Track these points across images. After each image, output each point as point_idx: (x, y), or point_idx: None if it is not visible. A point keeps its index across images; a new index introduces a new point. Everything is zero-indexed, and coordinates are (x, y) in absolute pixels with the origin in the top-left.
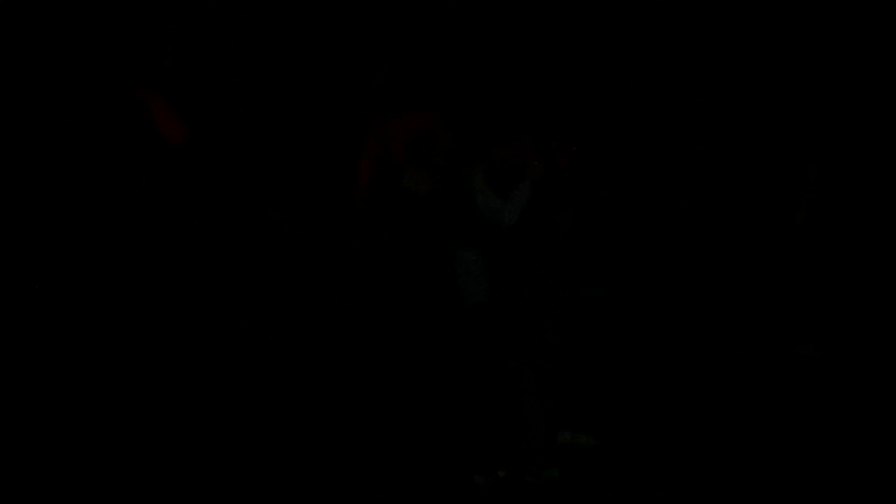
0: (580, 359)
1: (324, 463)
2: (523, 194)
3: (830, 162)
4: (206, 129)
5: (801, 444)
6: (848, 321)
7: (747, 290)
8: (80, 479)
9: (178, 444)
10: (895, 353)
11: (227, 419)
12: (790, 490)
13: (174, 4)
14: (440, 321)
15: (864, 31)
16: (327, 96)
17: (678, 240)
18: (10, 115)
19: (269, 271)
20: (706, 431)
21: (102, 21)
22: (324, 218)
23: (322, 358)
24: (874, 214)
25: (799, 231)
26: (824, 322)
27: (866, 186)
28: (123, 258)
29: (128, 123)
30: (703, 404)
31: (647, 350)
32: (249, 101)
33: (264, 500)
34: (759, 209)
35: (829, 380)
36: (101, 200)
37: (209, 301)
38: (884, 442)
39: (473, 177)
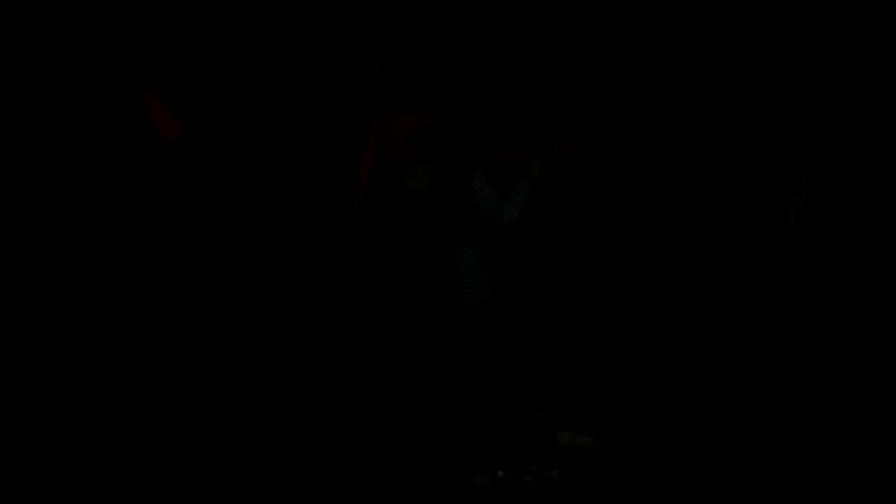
0: (580, 359)
1: (324, 463)
2: (523, 193)
3: (823, 161)
4: (202, 127)
5: (801, 444)
6: (846, 321)
7: (746, 289)
8: (81, 479)
9: (178, 444)
10: (892, 353)
11: (227, 419)
12: (790, 490)
13: (171, 3)
14: (440, 321)
15: (857, 31)
16: (326, 94)
17: (678, 239)
18: (6, 112)
19: (268, 270)
20: (706, 431)
21: (99, 19)
22: (324, 216)
23: (322, 357)
24: (868, 214)
25: (792, 231)
26: (821, 322)
27: (860, 186)
28: (120, 256)
29: (123, 121)
30: (702, 404)
31: (647, 350)
32: (247, 99)
33: (264, 500)
34: (755, 208)
35: (828, 380)
36: (97, 198)
37: (208, 300)
38: (883, 442)
39: (474, 176)
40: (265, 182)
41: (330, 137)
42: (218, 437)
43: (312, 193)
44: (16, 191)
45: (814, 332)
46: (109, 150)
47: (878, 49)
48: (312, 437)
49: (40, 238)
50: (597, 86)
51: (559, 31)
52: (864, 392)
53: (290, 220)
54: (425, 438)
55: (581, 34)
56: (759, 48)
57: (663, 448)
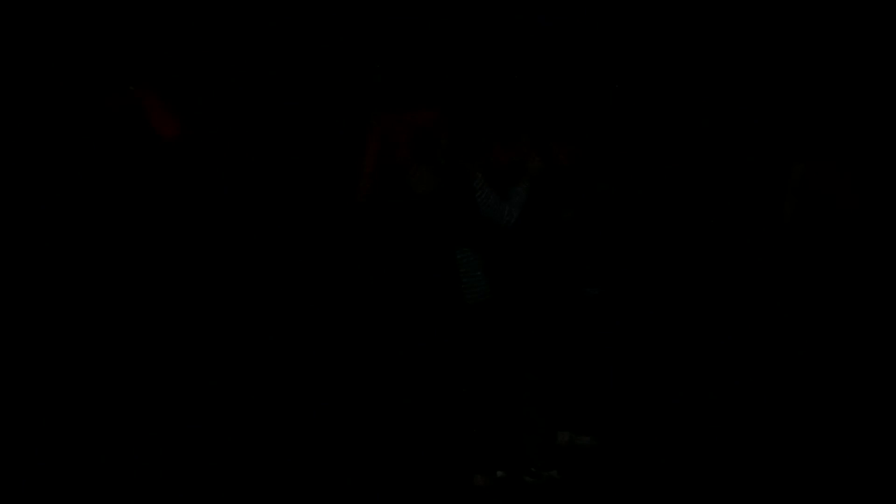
0: (580, 359)
1: (324, 462)
2: (522, 193)
3: (815, 161)
4: (201, 127)
5: (801, 445)
6: (843, 322)
7: (744, 289)
8: (81, 479)
9: (178, 444)
10: (891, 354)
11: (226, 419)
12: (790, 490)
13: (170, 1)
14: (440, 321)
15: (849, 35)
16: (326, 94)
17: (677, 239)
18: (3, 111)
19: (268, 270)
20: (705, 431)
21: (96, 17)
22: (325, 216)
23: (322, 357)
24: (860, 212)
25: (787, 230)
26: (820, 322)
27: (852, 185)
28: (117, 254)
29: (121, 119)
30: (702, 404)
31: (647, 350)
32: (246, 98)
33: (264, 500)
34: (751, 206)
35: (827, 380)
36: (95, 196)
37: (207, 299)
38: (882, 442)
39: (474, 176)
40: (265, 182)
41: (330, 137)
42: (218, 437)
43: (313, 193)
44: (13, 189)
45: (812, 330)
46: (108, 148)
47: (870, 52)
48: (312, 436)
49: (38, 236)
50: (595, 86)
51: (558, 32)
52: (862, 390)
53: (290, 219)
54: (425, 438)
55: (580, 34)
56: (755, 51)
57: (663, 448)
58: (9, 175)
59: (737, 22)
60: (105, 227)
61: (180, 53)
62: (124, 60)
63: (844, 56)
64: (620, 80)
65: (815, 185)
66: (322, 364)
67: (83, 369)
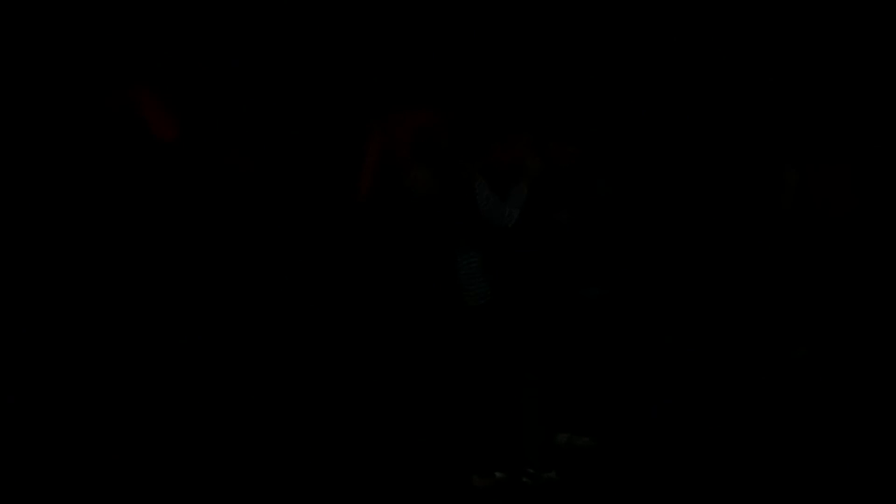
0: (578, 360)
1: (324, 463)
2: (521, 194)
3: (813, 164)
4: (199, 127)
5: (799, 445)
6: (841, 323)
7: (745, 291)
8: (81, 479)
9: (178, 444)
10: (889, 355)
11: (226, 419)
12: (789, 491)
13: (169, 1)
14: (440, 322)
15: (847, 37)
16: (326, 95)
17: (676, 240)
18: (1, 111)
19: (267, 272)
20: (704, 432)
21: (95, 18)
22: (325, 217)
23: (322, 358)
24: (859, 216)
25: (784, 231)
26: (819, 322)
27: (844, 187)
28: (115, 255)
29: (118, 121)
30: (701, 405)
31: (646, 351)
32: (245, 98)
33: (264, 500)
34: (749, 209)
35: (826, 381)
36: (92, 197)
37: (205, 302)
38: (879, 443)
39: (474, 177)
40: (264, 183)
41: (331, 138)
42: (218, 437)
43: (313, 195)
44: (10, 189)
45: (811, 332)
46: (105, 149)
47: (864, 56)
48: (312, 436)
49: (35, 236)
50: (594, 86)
51: (556, 31)
52: (862, 391)
53: (290, 221)
54: (424, 439)
55: (579, 35)
56: (753, 54)
57: (662, 449)
58: (4, 176)
59: (735, 25)
60: (102, 229)
61: (178, 54)
62: (122, 61)
63: (839, 60)
64: (619, 81)
65: (811, 188)
66: (322, 364)
67: (78, 370)
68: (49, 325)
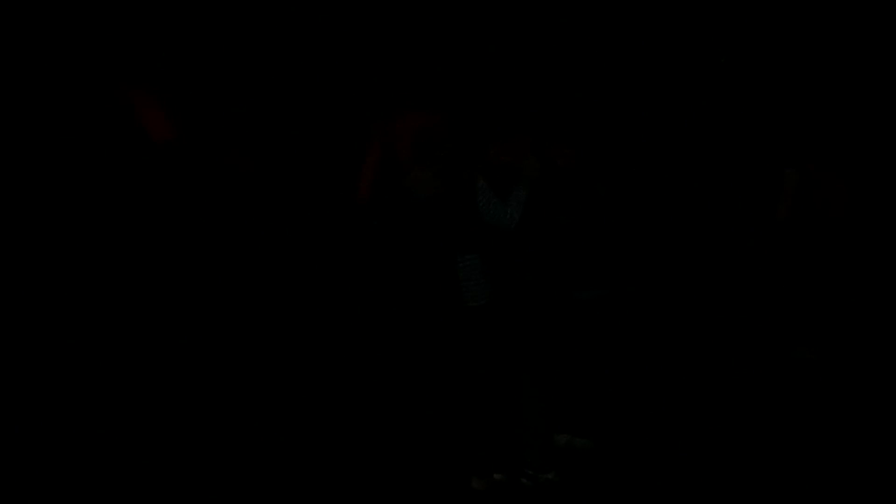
0: (578, 361)
1: (323, 464)
2: (521, 196)
3: (810, 166)
4: (195, 128)
5: (798, 447)
6: (840, 324)
7: (743, 293)
8: (81, 480)
9: (177, 445)
10: (888, 356)
11: (225, 419)
12: (788, 492)
13: (166, 1)
14: (439, 323)
15: (845, 40)
16: (327, 95)
17: (675, 242)
18: None
19: (266, 272)
20: (703, 434)
21: (91, 17)
22: (326, 218)
23: (322, 359)
24: (856, 218)
25: (781, 234)
26: (818, 325)
27: (842, 190)
28: (112, 256)
29: (115, 120)
30: (700, 407)
31: (645, 353)
32: (243, 99)
33: (264, 501)
34: (747, 211)
35: (825, 383)
36: (87, 198)
37: (204, 301)
38: (878, 444)
39: (476, 179)
40: (262, 185)
41: (330, 140)
42: (217, 438)
43: (313, 196)
44: (5, 188)
45: (809, 333)
46: (102, 149)
47: (861, 58)
48: (311, 437)
49: (31, 236)
50: (593, 89)
51: (554, 31)
52: (862, 392)
53: (288, 223)
54: (422, 440)
55: (577, 37)
56: (751, 57)
57: (661, 451)
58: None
59: (733, 27)
60: (99, 229)
61: (175, 54)
62: (118, 61)
63: (836, 62)
64: (618, 83)
65: (808, 190)
66: (321, 365)
67: (75, 371)
68: (46, 325)
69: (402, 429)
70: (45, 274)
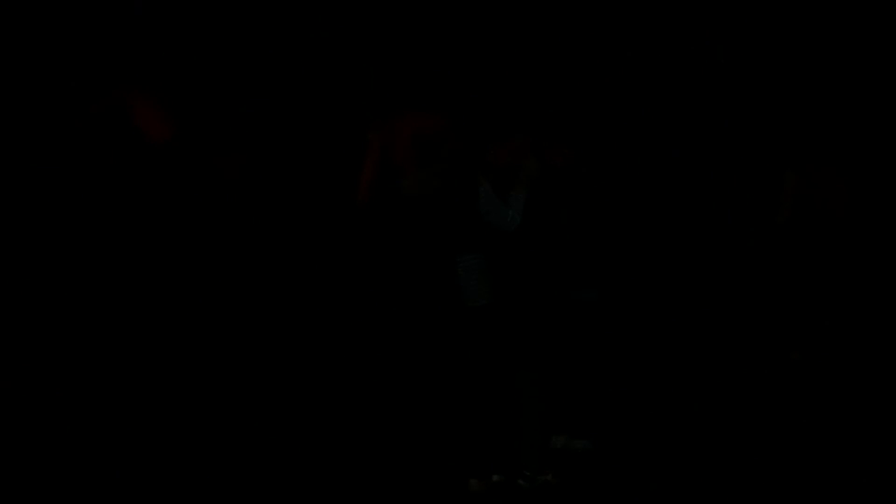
0: (575, 362)
1: (321, 465)
2: (520, 197)
3: (810, 167)
4: (192, 129)
5: (795, 449)
6: (839, 326)
7: (742, 295)
8: (81, 480)
9: (176, 445)
10: (887, 357)
11: (223, 420)
12: (786, 494)
13: (163, 1)
14: (437, 324)
15: (844, 41)
16: (326, 96)
17: (673, 243)
18: None
19: (265, 272)
20: (701, 436)
21: (86, 18)
22: (324, 219)
23: (320, 360)
24: (856, 219)
25: (782, 234)
26: (815, 327)
27: (847, 191)
28: (108, 258)
29: (109, 122)
30: (698, 408)
31: (643, 354)
32: (241, 99)
33: (263, 501)
34: (747, 212)
35: (824, 384)
36: (81, 202)
37: (201, 303)
38: (874, 448)
39: (479, 181)
40: (261, 186)
41: (330, 141)
42: (214, 438)
43: (312, 197)
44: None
45: (806, 336)
46: (97, 150)
47: (861, 59)
48: (310, 438)
49: (26, 238)
50: (591, 89)
51: (553, 32)
52: (862, 394)
53: (287, 223)
54: (420, 442)
55: (576, 38)
56: (750, 58)
57: (658, 452)
58: None
59: (732, 28)
60: (94, 231)
61: (172, 53)
62: (113, 61)
63: (836, 63)
64: (617, 83)
65: (808, 192)
66: (320, 366)
67: (73, 372)
68: (43, 325)
69: (400, 429)
70: (42, 274)
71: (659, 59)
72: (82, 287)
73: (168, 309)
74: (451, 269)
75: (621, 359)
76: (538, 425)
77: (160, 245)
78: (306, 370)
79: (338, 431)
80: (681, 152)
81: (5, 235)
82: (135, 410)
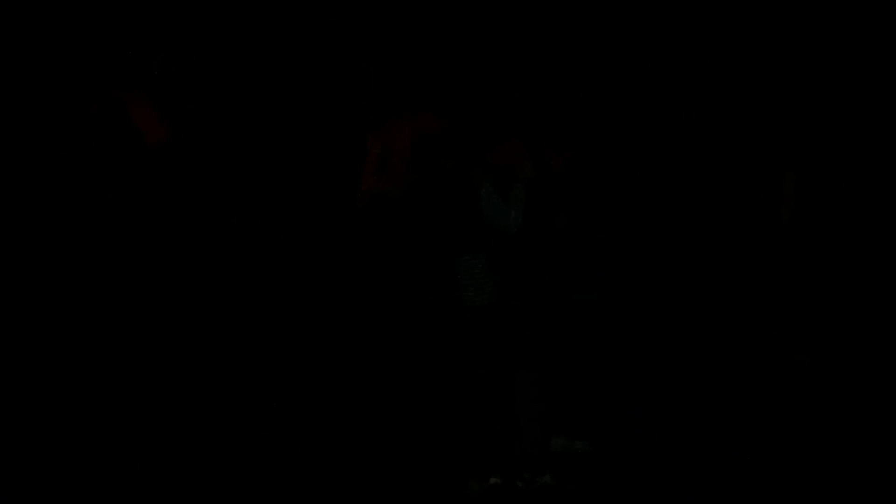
0: (575, 364)
1: (320, 465)
2: (519, 199)
3: (810, 168)
4: (190, 130)
5: (797, 451)
6: (839, 327)
7: (742, 295)
8: (81, 480)
9: (176, 445)
10: (887, 358)
11: (223, 421)
12: (786, 496)
13: (161, 1)
14: (436, 325)
15: (845, 41)
16: (325, 96)
17: (673, 244)
18: None
19: (264, 273)
20: (701, 437)
21: (84, 19)
22: (323, 220)
23: (320, 360)
24: (858, 219)
25: (783, 236)
26: (817, 328)
27: (848, 192)
28: (105, 259)
29: (106, 123)
30: (698, 410)
31: (642, 355)
32: (240, 100)
33: (262, 501)
34: (748, 213)
35: (824, 385)
36: (78, 204)
37: (199, 305)
38: (876, 449)
39: (480, 182)
40: (260, 187)
41: (328, 141)
42: (214, 438)
43: (312, 198)
44: None
45: (808, 337)
46: (94, 152)
47: (861, 59)
48: (309, 438)
49: (22, 239)
50: (589, 91)
51: (552, 32)
52: (862, 395)
53: (286, 225)
54: (419, 443)
55: (575, 39)
56: (749, 58)
57: (658, 454)
58: None
59: (731, 29)
60: (91, 233)
61: (170, 55)
62: (110, 62)
63: (836, 63)
64: (615, 85)
65: (808, 192)
66: (319, 367)
67: (71, 374)
68: (40, 326)
69: (399, 431)
70: (39, 275)
71: (659, 60)
72: (82, 287)
73: (167, 309)
74: (452, 270)
75: (621, 360)
76: (537, 426)
77: (159, 245)
78: (306, 370)
79: (338, 432)
80: (680, 154)
81: (5, 235)
82: (135, 410)
